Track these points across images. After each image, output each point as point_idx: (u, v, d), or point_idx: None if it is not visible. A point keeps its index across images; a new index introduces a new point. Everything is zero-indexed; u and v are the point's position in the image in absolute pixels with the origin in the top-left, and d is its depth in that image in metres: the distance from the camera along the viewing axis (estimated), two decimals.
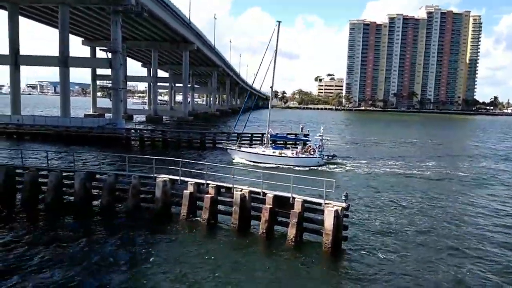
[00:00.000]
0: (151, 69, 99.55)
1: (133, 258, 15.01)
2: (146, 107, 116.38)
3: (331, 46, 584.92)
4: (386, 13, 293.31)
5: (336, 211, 15.85)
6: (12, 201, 20.43)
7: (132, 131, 53.01)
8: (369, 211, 22.27)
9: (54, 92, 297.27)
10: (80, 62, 62.68)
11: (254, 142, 48.91)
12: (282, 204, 17.31)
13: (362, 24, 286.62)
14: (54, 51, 55.91)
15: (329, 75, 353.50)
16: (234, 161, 34.69)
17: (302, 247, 16.40)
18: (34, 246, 15.63)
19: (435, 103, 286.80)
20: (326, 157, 37.27)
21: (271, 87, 40.62)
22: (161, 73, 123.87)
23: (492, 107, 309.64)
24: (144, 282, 13.27)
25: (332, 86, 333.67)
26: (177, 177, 19.80)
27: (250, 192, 18.09)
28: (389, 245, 17.26)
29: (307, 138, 41.24)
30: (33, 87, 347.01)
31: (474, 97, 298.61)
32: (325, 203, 16.40)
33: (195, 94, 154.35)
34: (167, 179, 19.66)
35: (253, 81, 53.50)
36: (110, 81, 57.86)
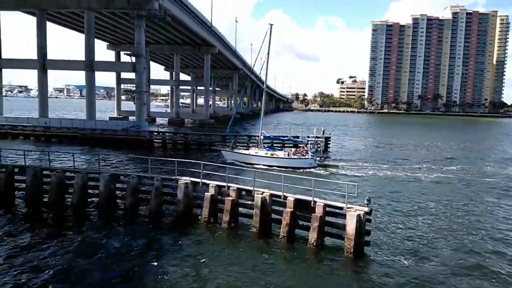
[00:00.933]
0: (174, 72, 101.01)
1: (154, 259, 15.19)
2: (169, 110, 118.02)
3: (353, 48, 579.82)
4: (410, 14, 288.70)
5: (359, 215, 15.64)
6: (39, 201, 21.04)
7: (155, 133, 53.83)
8: (391, 215, 21.87)
9: (80, 95, 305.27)
10: (105, 66, 64.21)
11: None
12: (303, 208, 17.20)
13: (385, 25, 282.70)
14: (76, 54, 57.35)
15: (351, 77, 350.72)
16: (227, 162, 35.05)
17: (324, 251, 16.24)
18: (59, 246, 16.05)
19: (461, 106, 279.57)
20: (319, 158, 37.11)
21: (264, 89, 42.04)
22: (183, 76, 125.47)
23: None
24: (165, 283, 13.41)
25: (354, 88, 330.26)
26: (199, 180, 19.99)
27: (271, 195, 18.06)
28: (413, 251, 16.88)
29: (300, 140, 41.20)
30: (60, 90, 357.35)
31: (502, 99, 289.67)
32: (347, 207, 16.19)
33: (216, 96, 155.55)
34: (189, 181, 19.86)
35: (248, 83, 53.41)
36: (134, 85, 59.01)
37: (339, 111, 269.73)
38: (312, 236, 16.34)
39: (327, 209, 16.76)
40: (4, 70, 60.67)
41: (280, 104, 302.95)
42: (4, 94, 67.97)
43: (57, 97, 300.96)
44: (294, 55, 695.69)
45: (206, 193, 19.28)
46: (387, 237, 18.41)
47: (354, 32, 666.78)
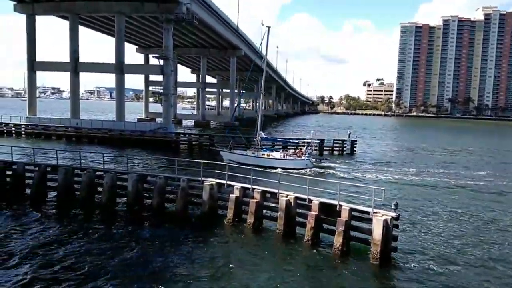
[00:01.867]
0: (200, 75, 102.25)
1: (179, 258, 15.40)
2: (195, 112, 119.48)
3: (381, 51, 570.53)
4: (440, 15, 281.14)
5: (385, 220, 15.34)
6: (70, 199, 21.71)
7: (181, 135, 54.65)
8: (418, 221, 21.33)
9: (110, 97, 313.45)
10: (135, 69, 65.77)
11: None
12: (328, 212, 17.03)
13: (414, 27, 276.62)
14: (104, 57, 58.96)
15: (378, 79, 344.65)
16: (225, 162, 35.47)
17: (349, 256, 16.01)
18: (88, 244, 16.53)
19: (494, 109, 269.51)
20: (315, 160, 37.34)
21: (261, 91, 43.56)
22: (209, 79, 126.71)
23: None
24: (189, 282, 13.56)
25: (381, 91, 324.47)
26: (224, 181, 20.15)
27: (296, 198, 17.98)
28: (442, 258, 16.40)
29: (297, 141, 41.42)
30: (91, 92, 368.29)
31: None
32: (374, 212, 15.92)
33: (241, 99, 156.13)
34: (214, 182, 20.05)
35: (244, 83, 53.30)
36: (162, 87, 60.12)
37: (366, 114, 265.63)
38: (337, 240, 16.14)
39: (353, 213, 16.52)
40: (38, 72, 63.01)
41: (305, 106, 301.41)
42: (37, 96, 70.65)
43: (88, 99, 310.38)
44: (320, 57, 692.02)
45: (231, 195, 19.41)
46: (414, 243, 17.98)
47: (382, 34, 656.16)
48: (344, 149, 49.68)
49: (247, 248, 16.71)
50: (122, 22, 57.45)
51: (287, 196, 18.02)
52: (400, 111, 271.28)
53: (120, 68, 57.66)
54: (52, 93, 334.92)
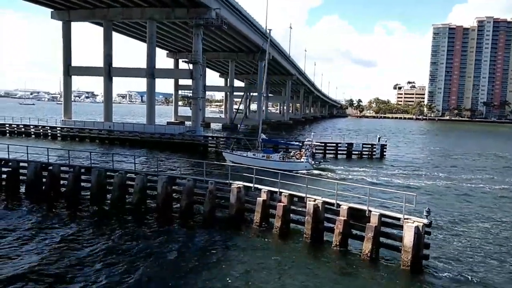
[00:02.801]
0: (228, 79, 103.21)
1: (206, 261, 15.53)
2: (223, 115, 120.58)
3: (412, 53, 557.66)
4: (475, 16, 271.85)
5: (417, 227, 14.93)
6: (102, 200, 22.40)
7: (209, 138, 55.29)
8: (451, 228, 20.61)
9: (141, 101, 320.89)
10: (165, 73, 67.23)
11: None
12: (357, 217, 16.75)
13: (447, 29, 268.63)
14: (133, 62, 60.46)
15: (409, 82, 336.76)
16: (227, 162, 35.84)
17: (379, 263, 15.68)
18: (119, 242, 16.98)
19: None
20: (314, 162, 37.37)
21: (262, 93, 43.37)
22: (237, 83, 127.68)
23: None
24: (216, 285, 13.65)
25: (413, 94, 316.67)
26: (251, 184, 20.21)
27: (324, 202, 17.79)
28: (475, 267, 15.79)
29: (298, 144, 41.56)
30: (123, 96, 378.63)
31: None
32: (405, 218, 15.53)
33: (269, 102, 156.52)
34: (242, 185, 20.14)
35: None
36: (191, 91, 61.09)
37: (396, 118, 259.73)
38: (367, 246, 15.84)
39: (383, 219, 16.18)
40: (73, 77, 65.41)
41: (333, 110, 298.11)
42: (73, 100, 73.34)
43: (120, 103, 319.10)
44: (349, 60, 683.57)
45: (258, 198, 19.43)
46: (447, 251, 17.39)
47: (414, 36, 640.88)
48: (374, 153, 48.77)
49: (274, 253, 16.66)
50: (153, 28, 58.88)
51: (315, 200, 17.86)
52: (432, 115, 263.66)
53: (151, 72, 59.08)
54: (87, 97, 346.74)
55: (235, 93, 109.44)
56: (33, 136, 57.38)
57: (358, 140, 53.24)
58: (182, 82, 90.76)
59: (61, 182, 23.70)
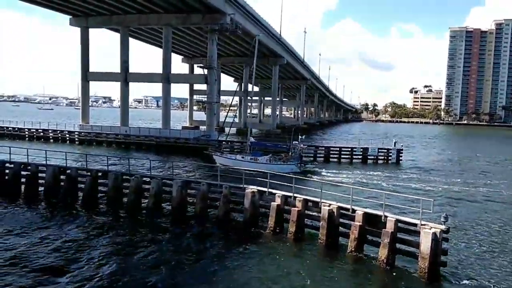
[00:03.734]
0: (242, 84, 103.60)
1: (219, 265, 15.55)
2: (237, 120, 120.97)
3: (429, 56, 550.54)
4: (492, 19, 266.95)
5: (434, 233, 14.67)
6: (119, 204, 22.68)
7: (224, 142, 55.48)
8: (469, 235, 20.18)
9: (157, 106, 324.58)
10: (180, 78, 67.92)
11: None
12: (372, 222, 16.55)
13: (465, 32, 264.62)
14: (147, 67, 61.19)
15: (425, 86, 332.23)
16: (216, 164, 36.40)
17: (395, 269, 15.44)
18: (136, 246, 17.15)
19: None
20: (301, 165, 38.02)
21: (251, 97, 43.97)
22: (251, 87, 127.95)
23: None
24: None
25: (429, 98, 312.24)
26: (265, 189, 20.20)
27: (339, 207, 17.64)
28: (495, 276, 15.41)
29: (286, 147, 41.52)
30: (139, 101, 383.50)
31: None
32: (422, 224, 15.27)
33: (283, 107, 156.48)
34: (256, 190, 20.14)
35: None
36: (206, 96, 61.52)
37: (412, 122, 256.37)
38: (382, 252, 15.63)
39: (399, 225, 15.95)
40: (90, 82, 66.61)
41: (348, 114, 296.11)
42: (90, 104, 74.64)
43: (136, 107, 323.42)
44: (364, 64, 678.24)
45: (272, 203, 19.39)
46: (466, 258, 17.04)
47: (430, 39, 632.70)
48: (390, 158, 48.21)
49: (288, 258, 16.57)
50: (169, 34, 59.61)
51: (329, 205, 17.73)
52: (449, 119, 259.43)
53: (167, 78, 59.75)
54: (104, 102, 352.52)
55: (249, 98, 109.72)
56: (51, 140, 58.55)
57: (373, 144, 52.64)
58: (197, 87, 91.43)
59: (79, 185, 24.09)
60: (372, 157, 48.25)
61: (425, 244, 14.72)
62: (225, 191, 20.60)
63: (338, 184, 23.87)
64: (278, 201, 19.31)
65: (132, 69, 63.61)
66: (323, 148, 50.41)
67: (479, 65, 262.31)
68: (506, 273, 15.78)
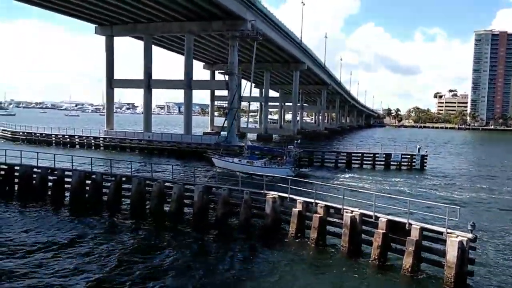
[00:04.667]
0: (263, 89, 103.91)
1: (241, 272, 15.55)
2: (258, 125, 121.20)
3: (453, 60, 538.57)
4: None
5: (461, 242, 14.27)
6: (142, 208, 23.02)
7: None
8: (497, 244, 19.50)
9: (179, 111, 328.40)
10: (202, 84, 68.63)
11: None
12: (396, 230, 16.22)
13: (490, 35, 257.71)
14: (166, 73, 62.13)
15: (450, 91, 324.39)
16: (215, 167, 38.19)
17: (420, 278, 15.08)
18: (158, 250, 17.37)
19: None
20: (295, 169, 38.53)
21: (248, 104, 48.35)
22: (272, 93, 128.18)
23: None
24: None
25: (454, 103, 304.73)
26: (286, 195, 20.12)
27: (361, 214, 17.39)
28: None
29: (281, 151, 42.21)
30: (161, 107, 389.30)
31: None
32: (448, 232, 14.88)
33: (303, 112, 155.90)
34: (277, 196, 20.09)
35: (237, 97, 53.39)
36: (226, 102, 61.93)
37: (437, 127, 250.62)
38: (407, 261, 15.29)
39: (424, 233, 15.59)
40: (115, 89, 68.09)
41: (370, 119, 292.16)
42: (114, 111, 76.24)
43: (158, 114, 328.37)
44: (387, 68, 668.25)
45: (293, 209, 19.29)
46: (494, 267, 16.48)
47: (455, 43, 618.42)
48: (413, 164, 47.23)
49: (310, 265, 16.44)
50: (191, 41, 60.49)
51: (352, 212, 17.50)
52: (475, 124, 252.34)
53: (188, 84, 60.52)
54: (127, 108, 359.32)
55: (269, 103, 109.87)
56: (77, 146, 60.12)
57: (396, 150, 51.71)
58: (218, 92, 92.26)
59: (103, 190, 24.61)
60: (395, 163, 47.40)
61: (452, 253, 14.34)
62: (246, 196, 20.63)
63: (360, 190, 23.50)
64: (299, 207, 19.20)
65: (154, 75, 64.68)
66: (345, 154, 49.86)
67: (505, 68, 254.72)
68: None
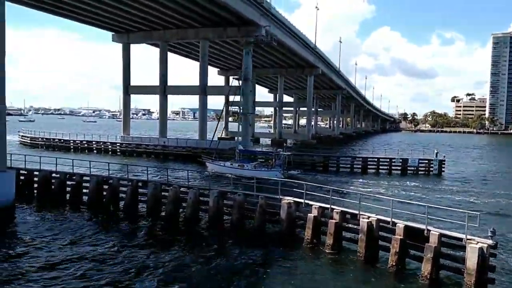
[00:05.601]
0: (277, 94, 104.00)
1: (257, 277, 15.50)
2: (272, 130, 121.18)
3: (471, 64, 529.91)
4: None
5: (481, 248, 13.95)
6: (158, 212, 23.24)
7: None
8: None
9: (193, 117, 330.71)
10: (216, 90, 68.99)
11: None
12: (414, 236, 15.95)
13: (509, 37, 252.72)
14: (178, 79, 62.54)
15: (468, 94, 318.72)
16: (207, 170, 39.68)
17: (439, 286, 14.79)
18: (174, 254, 17.45)
19: None
20: (284, 171, 39.07)
21: (240, 108, 53.13)
22: (286, 98, 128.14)
23: None
24: None
25: (472, 107, 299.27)
26: (302, 200, 20.02)
27: (378, 220, 17.17)
28: None
29: (271, 154, 43.68)
30: (177, 113, 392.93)
31: None
32: (467, 239, 14.56)
33: (318, 117, 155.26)
34: (292, 201, 20.01)
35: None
36: (241, 107, 62.13)
37: (455, 132, 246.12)
38: (426, 267, 15.01)
39: (443, 239, 15.29)
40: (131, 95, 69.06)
41: (386, 124, 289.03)
42: (130, 117, 77.28)
43: (174, 119, 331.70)
44: (403, 72, 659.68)
45: (309, 214, 19.17)
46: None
47: (473, 46, 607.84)
48: (431, 169, 46.48)
49: (326, 271, 16.29)
50: (206, 47, 61.02)
51: (368, 218, 17.30)
52: (494, 129, 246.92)
53: (203, 90, 61.00)
54: (143, 114, 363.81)
55: (284, 108, 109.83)
56: (95, 151, 61.12)
57: (413, 155, 50.97)
58: (232, 98, 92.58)
59: (120, 195, 24.92)
60: (412, 168, 46.72)
61: (472, 259, 14.03)
62: (261, 201, 20.62)
63: (377, 196, 23.23)
64: (314, 212, 19.07)
65: (169, 82, 65.29)
66: (360, 159, 49.41)
67: None
68: None
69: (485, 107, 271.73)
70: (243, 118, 60.44)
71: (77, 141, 64.59)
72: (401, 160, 47.58)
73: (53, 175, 26.72)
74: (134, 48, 72.82)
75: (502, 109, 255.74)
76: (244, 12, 51.60)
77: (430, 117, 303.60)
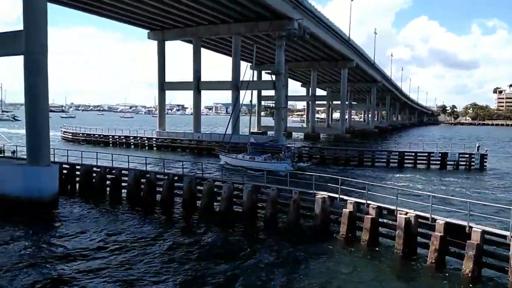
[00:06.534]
0: (310, 88, 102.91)
1: (291, 272, 15.46)
2: (305, 125, 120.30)
3: None
4: None
5: None
6: (193, 206, 23.70)
7: (292, 147, 55.35)
8: None
9: (226, 112, 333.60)
10: (249, 85, 69.08)
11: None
12: (455, 233, 15.40)
13: None
14: (211, 74, 62.97)
15: (511, 85, 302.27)
16: (221, 162, 41.19)
17: (481, 284, 14.24)
18: (210, 249, 17.79)
19: None
20: (294, 163, 39.20)
21: (250, 101, 52.78)
22: (319, 92, 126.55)
23: None
24: None
25: None
26: (336, 195, 19.78)
27: (417, 216, 16.70)
28: None
29: (280, 147, 44.37)
30: (210, 108, 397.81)
31: None
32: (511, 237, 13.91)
33: (352, 111, 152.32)
34: (326, 196, 19.81)
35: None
36: (273, 101, 62.06)
37: (497, 125, 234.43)
38: (467, 265, 14.48)
39: (486, 236, 14.69)
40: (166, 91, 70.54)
41: (423, 117, 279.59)
42: (166, 112, 79.01)
43: (207, 114, 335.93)
44: (441, 63, 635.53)
45: (344, 209, 18.94)
46: None
47: None
48: (472, 164, 44.60)
49: (362, 268, 16.01)
50: (238, 42, 61.26)
51: (406, 213, 16.85)
52: None
53: (236, 85, 61.32)
54: (177, 110, 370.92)
55: (316, 102, 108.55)
56: (132, 146, 62.99)
57: (453, 149, 49.07)
58: (264, 92, 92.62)
59: (157, 188, 25.60)
60: (452, 162, 45.02)
61: None
62: (295, 196, 20.55)
63: (415, 191, 22.56)
64: (350, 208, 18.81)
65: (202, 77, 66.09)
66: (397, 153, 48.14)
67: None
68: None
69: None
70: (276, 112, 60.41)
71: (115, 136, 66.76)
72: (440, 154, 45.96)
73: (94, 169, 27.81)
74: (168, 45, 73.99)
75: None
76: (277, 6, 51.29)
77: (471, 109, 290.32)
